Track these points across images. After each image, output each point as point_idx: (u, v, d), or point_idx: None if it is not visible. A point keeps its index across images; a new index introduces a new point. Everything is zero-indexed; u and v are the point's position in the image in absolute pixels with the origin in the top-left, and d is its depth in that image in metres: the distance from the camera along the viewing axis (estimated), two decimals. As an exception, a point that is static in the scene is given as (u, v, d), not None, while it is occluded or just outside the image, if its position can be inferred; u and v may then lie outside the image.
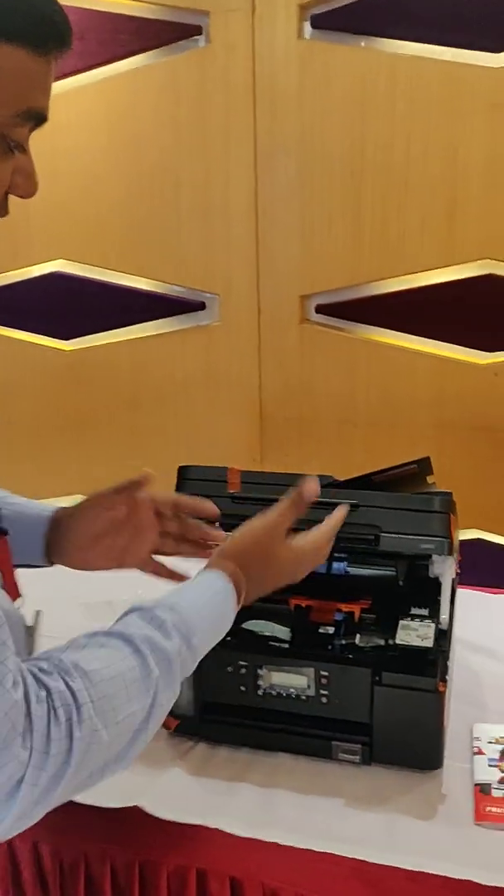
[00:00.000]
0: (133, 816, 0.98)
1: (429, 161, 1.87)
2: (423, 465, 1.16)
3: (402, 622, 1.07)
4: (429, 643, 1.04)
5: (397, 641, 1.05)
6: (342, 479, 1.16)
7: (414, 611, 1.10)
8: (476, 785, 1.02)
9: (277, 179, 2.00)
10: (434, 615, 1.09)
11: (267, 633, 1.11)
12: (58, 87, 2.26)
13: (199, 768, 1.07)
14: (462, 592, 1.24)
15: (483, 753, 1.07)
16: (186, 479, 1.17)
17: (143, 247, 2.17)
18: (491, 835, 0.95)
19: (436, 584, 1.11)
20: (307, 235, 2.02)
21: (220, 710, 1.10)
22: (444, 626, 1.08)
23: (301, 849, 0.93)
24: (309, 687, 1.05)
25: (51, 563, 0.97)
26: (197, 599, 0.82)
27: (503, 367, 1.96)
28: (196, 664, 0.79)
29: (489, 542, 2.09)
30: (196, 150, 2.04)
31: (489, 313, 1.94)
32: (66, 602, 1.47)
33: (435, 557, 1.07)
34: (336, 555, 1.21)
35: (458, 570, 1.14)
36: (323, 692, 1.05)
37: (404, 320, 2.02)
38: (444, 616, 1.09)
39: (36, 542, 0.95)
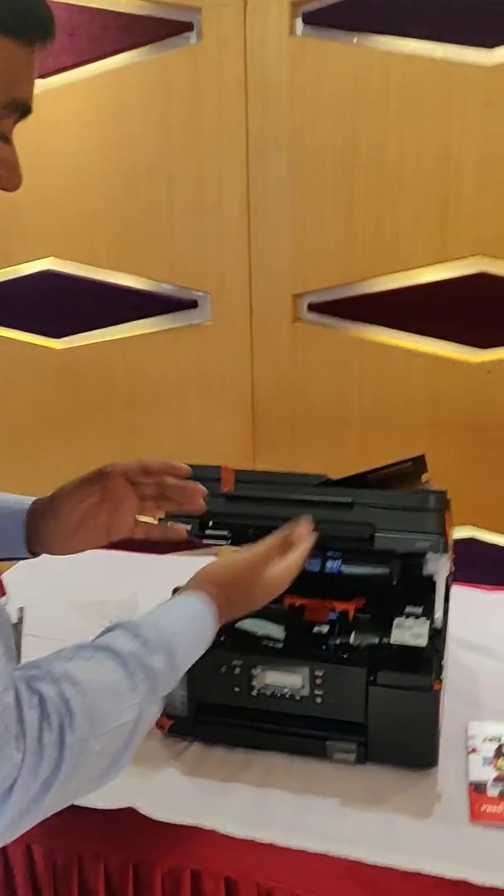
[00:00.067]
0: (127, 817, 0.98)
1: (422, 158, 1.87)
2: (418, 463, 1.16)
3: (396, 621, 1.07)
4: (423, 642, 1.04)
5: (392, 640, 1.05)
6: (336, 478, 1.15)
7: (408, 609, 1.09)
8: (471, 784, 1.02)
9: (269, 177, 2.00)
10: (428, 613, 1.09)
11: (261, 633, 1.11)
12: (47, 83, 2.24)
13: (193, 769, 1.07)
14: (456, 590, 1.24)
15: (478, 752, 1.07)
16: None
17: (135, 245, 2.16)
18: (486, 834, 0.95)
19: (430, 583, 1.11)
20: (299, 233, 2.01)
21: (215, 710, 1.09)
22: (438, 624, 1.08)
23: (296, 849, 0.93)
24: (303, 686, 1.05)
25: (35, 553, 0.96)
26: (179, 619, 0.83)
27: (496, 365, 1.96)
28: (177, 683, 0.80)
29: (482, 540, 2.10)
30: (187, 148, 2.03)
31: (482, 311, 1.94)
32: (60, 602, 1.46)
33: (429, 555, 1.07)
34: (330, 553, 1.20)
35: (453, 568, 1.14)
36: (317, 692, 1.05)
37: (397, 318, 2.02)
38: (438, 614, 1.09)
39: (17, 535, 0.94)
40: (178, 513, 1.01)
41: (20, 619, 1.27)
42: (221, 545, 1.18)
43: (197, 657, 0.84)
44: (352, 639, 1.09)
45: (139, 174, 2.09)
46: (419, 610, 1.09)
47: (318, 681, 1.04)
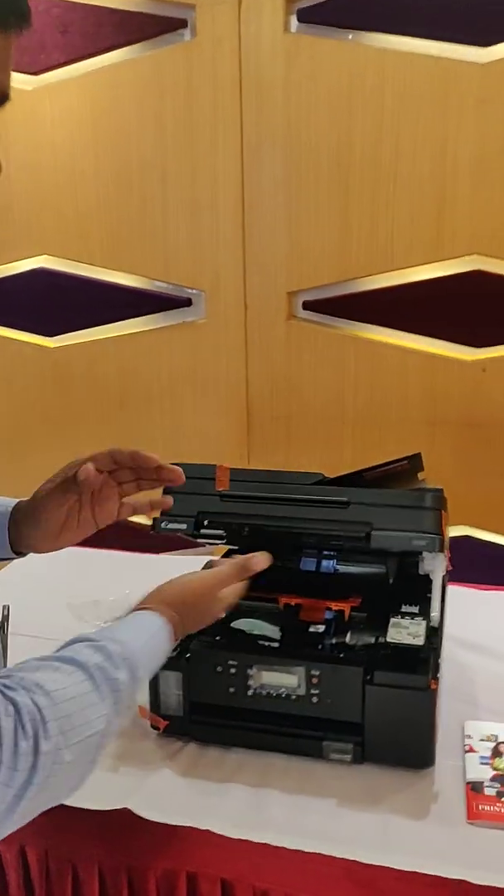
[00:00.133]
0: (121, 818, 0.97)
1: (417, 155, 1.87)
2: (415, 462, 1.15)
3: (392, 620, 1.07)
4: (420, 641, 1.03)
5: (388, 639, 1.04)
6: (331, 477, 1.15)
7: (404, 608, 1.09)
8: (468, 783, 1.01)
9: (264, 174, 1.99)
10: (425, 613, 1.08)
11: (256, 632, 1.11)
12: (40, 80, 2.23)
13: (188, 769, 1.06)
14: (451, 589, 1.23)
15: (475, 751, 1.06)
16: (174, 476, 1.16)
17: (129, 242, 2.15)
18: (483, 833, 0.95)
19: (426, 582, 1.10)
20: (294, 231, 2.01)
21: (210, 710, 1.08)
22: (435, 623, 1.08)
23: (293, 850, 0.92)
24: (299, 686, 1.04)
25: (21, 553, 0.95)
26: (140, 635, 0.84)
27: (492, 363, 1.96)
28: (136, 698, 0.81)
29: (478, 538, 2.09)
30: (182, 145, 2.03)
31: (477, 309, 1.94)
32: (55, 602, 1.45)
33: (426, 554, 1.06)
34: (325, 552, 1.20)
35: (450, 567, 1.14)
36: (314, 691, 1.04)
37: (392, 316, 2.02)
38: (435, 613, 1.08)
39: (1, 537, 0.94)
40: (173, 513, 1.01)
41: (5, 618, 1.25)
42: (217, 544, 1.17)
43: (155, 672, 0.86)
44: (348, 638, 1.08)
45: (133, 171, 2.08)
46: (415, 609, 1.09)
47: (315, 680, 1.04)
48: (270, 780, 1.03)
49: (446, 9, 1.78)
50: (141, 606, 0.89)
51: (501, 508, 2.05)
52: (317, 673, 1.03)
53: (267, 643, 1.09)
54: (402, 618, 1.07)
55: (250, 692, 1.06)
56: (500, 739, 1.08)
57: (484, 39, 1.78)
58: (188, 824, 0.96)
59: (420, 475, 1.16)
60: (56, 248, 2.21)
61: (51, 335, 2.31)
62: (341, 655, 1.05)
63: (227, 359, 2.15)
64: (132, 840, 0.95)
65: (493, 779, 1.01)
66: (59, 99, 2.07)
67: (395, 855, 0.91)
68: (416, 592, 1.11)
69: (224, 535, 1.13)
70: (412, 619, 1.07)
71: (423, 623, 1.06)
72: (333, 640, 1.08)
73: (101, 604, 1.43)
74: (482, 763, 1.04)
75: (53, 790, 0.67)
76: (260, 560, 0.99)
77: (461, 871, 0.88)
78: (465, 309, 1.95)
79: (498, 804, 0.98)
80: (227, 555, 1.26)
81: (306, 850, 0.92)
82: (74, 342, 2.29)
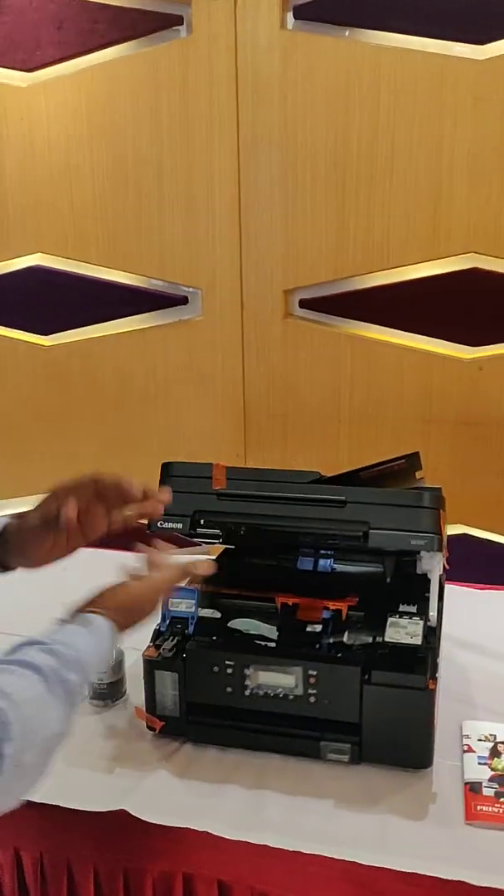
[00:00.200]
0: (118, 820, 0.96)
1: (413, 153, 1.86)
2: (412, 461, 1.15)
3: (390, 619, 1.06)
4: (418, 640, 1.03)
5: (386, 639, 1.04)
6: (328, 475, 1.14)
7: (402, 608, 1.08)
8: (466, 783, 1.01)
9: (261, 172, 1.98)
10: (422, 612, 1.08)
11: (253, 632, 1.10)
12: (35, 77, 2.21)
13: (185, 770, 1.05)
14: (449, 589, 1.23)
15: (473, 751, 1.06)
16: (170, 476, 1.15)
17: (124, 240, 2.14)
18: (482, 834, 0.94)
19: (424, 581, 1.10)
20: (291, 229, 2.00)
21: (207, 710, 1.08)
22: (432, 622, 1.07)
23: (291, 851, 0.92)
24: (297, 686, 1.04)
25: (10, 568, 0.96)
26: (88, 639, 0.84)
27: (488, 361, 1.96)
28: (84, 699, 0.81)
29: (474, 537, 2.09)
30: (178, 143, 2.02)
31: (474, 307, 1.93)
32: (52, 602, 1.44)
33: (424, 553, 1.06)
34: (322, 552, 1.19)
35: (447, 566, 1.13)
36: (311, 691, 1.03)
37: (389, 315, 2.01)
38: (432, 613, 1.08)
39: None
40: (169, 512, 1.00)
41: None
42: (213, 543, 1.16)
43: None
44: (345, 638, 1.08)
45: (129, 169, 2.07)
46: (413, 608, 1.08)
47: (312, 680, 1.03)
48: (268, 780, 1.03)
49: (443, 6, 1.77)
50: (86, 609, 0.89)
51: (498, 507, 2.05)
52: (314, 673, 1.03)
53: (264, 643, 1.08)
54: (400, 617, 1.07)
55: (247, 692, 1.05)
56: (498, 739, 1.08)
57: (481, 37, 1.77)
58: (185, 825, 0.95)
59: (418, 474, 1.16)
60: (51, 246, 2.20)
61: (46, 333, 2.30)
62: (339, 655, 1.05)
63: (224, 357, 2.14)
64: (128, 842, 0.95)
65: (492, 779, 1.01)
66: (55, 96, 2.06)
67: (393, 856, 0.91)
68: (413, 592, 1.10)
69: (220, 534, 1.12)
70: (410, 618, 1.06)
71: (421, 622, 1.05)
72: (331, 640, 1.07)
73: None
74: (480, 763, 1.04)
75: (12, 793, 0.67)
76: (203, 566, 0.99)
77: (460, 871, 0.88)
78: (462, 307, 1.94)
79: (496, 805, 0.97)
80: (223, 554, 1.26)
81: (304, 851, 0.92)
82: (70, 340, 2.28)
